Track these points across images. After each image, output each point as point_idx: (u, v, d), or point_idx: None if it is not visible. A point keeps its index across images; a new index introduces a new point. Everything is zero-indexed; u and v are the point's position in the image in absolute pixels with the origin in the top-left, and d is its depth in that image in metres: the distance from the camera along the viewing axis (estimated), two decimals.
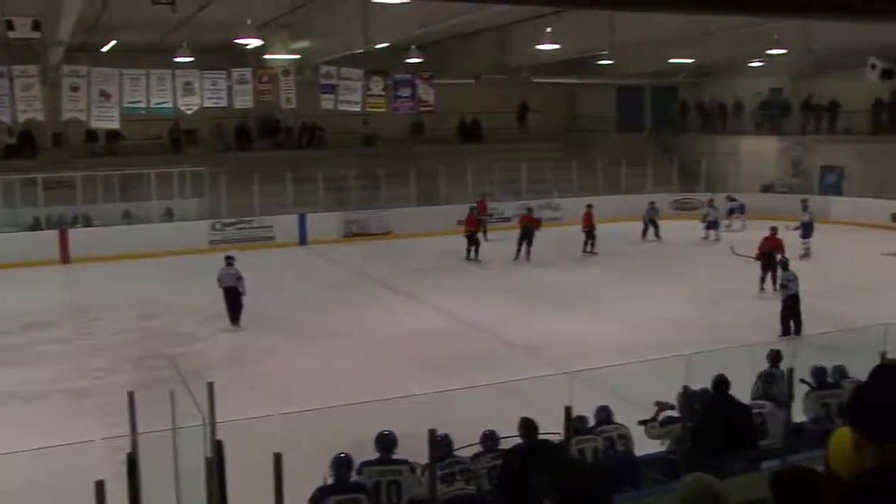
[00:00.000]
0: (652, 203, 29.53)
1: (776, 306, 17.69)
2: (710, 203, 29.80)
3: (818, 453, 3.76)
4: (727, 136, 36.16)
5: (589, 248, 26.56)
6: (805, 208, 25.99)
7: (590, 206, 27.49)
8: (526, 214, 27.17)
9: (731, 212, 30.88)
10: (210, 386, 6.88)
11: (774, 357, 10.30)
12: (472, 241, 25.86)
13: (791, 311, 16.59)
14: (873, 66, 14.59)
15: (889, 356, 10.00)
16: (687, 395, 8.83)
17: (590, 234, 26.66)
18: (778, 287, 18.72)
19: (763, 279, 20.61)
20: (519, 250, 25.88)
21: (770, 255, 20.48)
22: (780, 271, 17.68)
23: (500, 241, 26.72)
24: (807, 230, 25.01)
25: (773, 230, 21.48)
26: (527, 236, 26.00)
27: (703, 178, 34.12)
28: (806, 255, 23.97)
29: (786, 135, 35.34)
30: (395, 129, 34.60)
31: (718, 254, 25.36)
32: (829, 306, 18.40)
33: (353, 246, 28.36)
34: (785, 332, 16.45)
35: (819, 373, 10.16)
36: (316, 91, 25.26)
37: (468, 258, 25.62)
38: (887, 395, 2.60)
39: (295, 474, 6.95)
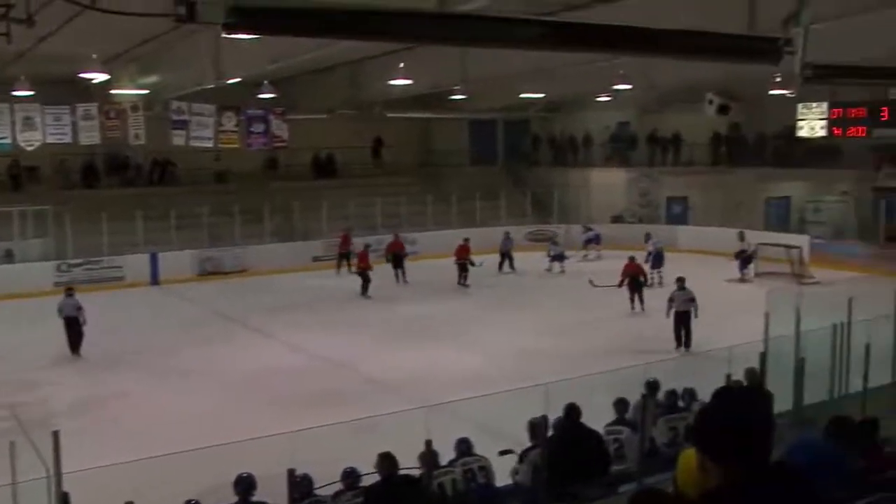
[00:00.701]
0: (507, 233, 30.01)
1: (629, 331, 18.27)
2: (553, 240, 30.45)
3: (670, 475, 3.88)
4: (578, 169, 37.25)
5: (462, 280, 26.90)
6: (648, 239, 26.93)
7: (466, 239, 28.00)
8: (394, 241, 28.23)
9: (587, 242, 31.62)
10: (55, 435, 6.58)
11: (652, 386, 10.46)
12: (366, 278, 25.43)
13: (685, 326, 18.20)
14: (711, 102, 15.25)
15: (734, 378, 10.45)
16: (544, 424, 8.96)
17: (463, 266, 27.02)
18: (644, 307, 21.81)
19: (632, 300, 22.25)
20: (396, 275, 27.11)
21: (635, 279, 22.43)
22: (677, 292, 18.72)
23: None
24: (657, 260, 25.89)
25: (632, 258, 23.22)
26: (398, 261, 27.11)
27: (556, 209, 34.94)
28: (659, 284, 25.00)
29: (633, 167, 36.64)
30: (249, 165, 34.14)
31: (572, 285, 26.00)
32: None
33: (208, 284, 27.73)
34: (678, 344, 18.00)
35: (670, 395, 10.46)
36: (166, 127, 24.72)
37: (363, 294, 25.24)
38: (727, 417, 2.70)
39: None
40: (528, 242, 32.25)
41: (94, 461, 7.55)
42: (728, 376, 10.24)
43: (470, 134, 40.11)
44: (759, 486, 2.63)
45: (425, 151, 40.22)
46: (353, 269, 27.05)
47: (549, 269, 28.96)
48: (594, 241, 31.60)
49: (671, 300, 18.58)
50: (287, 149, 30.50)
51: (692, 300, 18.39)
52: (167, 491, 8.12)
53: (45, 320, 20.07)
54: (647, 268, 24.63)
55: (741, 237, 26.70)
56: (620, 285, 22.49)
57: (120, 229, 28.06)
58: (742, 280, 26.10)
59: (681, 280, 19.16)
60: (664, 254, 26.19)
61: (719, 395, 2.94)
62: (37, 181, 30.80)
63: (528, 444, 9.21)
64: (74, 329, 18.63)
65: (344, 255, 29.12)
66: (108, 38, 19.99)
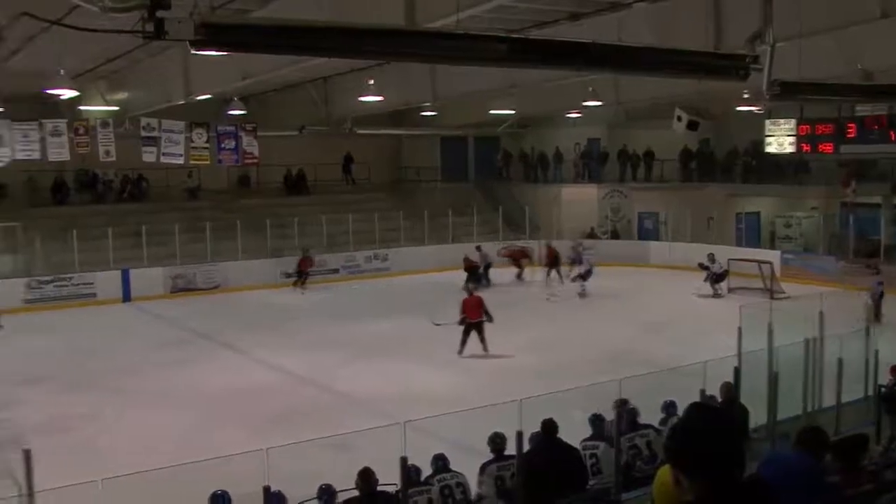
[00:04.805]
0: (478, 247, 29.97)
1: (604, 346, 18.37)
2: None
3: (649, 490, 3.89)
4: (549, 185, 37.42)
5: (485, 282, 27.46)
6: (578, 255, 27.74)
7: (479, 246, 29.97)
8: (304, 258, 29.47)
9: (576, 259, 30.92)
10: (27, 454, 6.52)
11: (621, 405, 10.41)
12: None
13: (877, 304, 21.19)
14: (679, 118, 15.41)
15: (708, 393, 10.50)
16: (503, 439, 9.03)
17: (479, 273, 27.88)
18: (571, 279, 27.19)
19: (548, 273, 28.44)
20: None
21: (555, 260, 28.58)
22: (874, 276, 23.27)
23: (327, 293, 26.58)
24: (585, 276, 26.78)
25: (548, 244, 29.79)
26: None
27: (528, 226, 35.01)
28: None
29: (604, 183, 36.84)
30: (221, 182, 34.12)
31: (543, 298, 26.04)
32: (650, 347, 19.24)
33: (180, 301, 27.54)
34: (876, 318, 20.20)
35: (629, 412, 10.32)
36: (137, 143, 24.58)
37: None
38: (700, 433, 2.72)
39: None
40: (499, 259, 32.12)
41: (64, 481, 7.47)
42: (702, 391, 10.28)
43: (441, 150, 40.22)
44: (732, 501, 2.65)
45: (396, 168, 40.28)
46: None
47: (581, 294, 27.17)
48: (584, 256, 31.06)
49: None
50: (259, 165, 30.45)
51: (881, 283, 21.92)
52: None
53: (13, 338, 19.92)
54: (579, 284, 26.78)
55: (711, 259, 26.82)
56: (548, 265, 28.67)
57: (91, 246, 27.85)
58: (715, 295, 26.21)
59: (877, 269, 23.76)
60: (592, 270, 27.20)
61: (692, 410, 2.95)
62: (6, 198, 30.54)
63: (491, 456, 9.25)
64: None
65: (302, 274, 29.26)
66: (77, 54, 19.93)
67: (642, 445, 9.93)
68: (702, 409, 3.07)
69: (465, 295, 20.48)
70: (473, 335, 19.18)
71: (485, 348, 19.33)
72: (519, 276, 30.14)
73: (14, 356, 19.43)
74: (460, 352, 19.26)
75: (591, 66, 11.80)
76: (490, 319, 19.53)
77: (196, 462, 8.35)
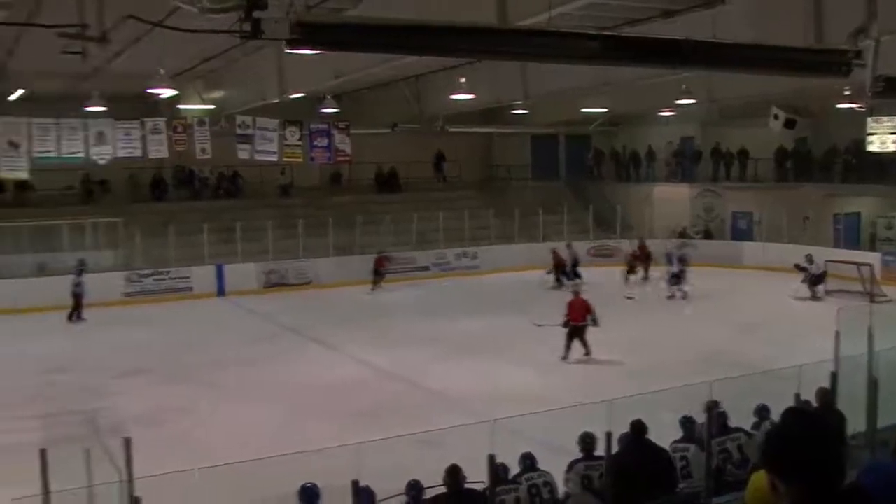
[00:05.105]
0: (569, 244, 29.77)
1: (698, 347, 18.05)
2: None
3: (740, 495, 3.83)
4: (641, 184, 37.02)
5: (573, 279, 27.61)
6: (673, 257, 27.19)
7: (569, 244, 30.10)
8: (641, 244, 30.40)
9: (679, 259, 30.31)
10: (127, 442, 6.71)
11: (711, 408, 10.23)
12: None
13: None
14: (776, 117, 15.06)
15: (803, 398, 10.24)
16: (593, 439, 8.99)
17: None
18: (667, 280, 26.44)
19: (645, 275, 29.15)
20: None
21: (647, 257, 29.54)
22: None
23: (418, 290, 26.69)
24: (678, 277, 26.30)
25: (640, 240, 30.36)
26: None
27: (619, 225, 34.67)
28: (680, 296, 26.08)
29: (697, 182, 36.24)
30: (314, 179, 34.58)
31: (635, 300, 25.78)
32: (744, 350, 18.86)
33: (273, 297, 28.06)
34: None
35: (719, 416, 10.13)
36: (232, 141, 25.08)
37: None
38: (797, 438, 2.66)
39: None
40: (589, 258, 31.85)
41: (161, 470, 7.67)
42: (797, 396, 10.04)
43: (532, 148, 40.08)
44: None
45: (487, 166, 40.28)
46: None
47: (674, 296, 26.50)
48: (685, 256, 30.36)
49: None
50: (351, 163, 30.75)
51: None
52: (234, 499, 8.22)
53: (113, 330, 20.48)
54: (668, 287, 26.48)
55: (809, 260, 26.12)
56: (645, 257, 29.47)
57: (187, 241, 28.56)
58: (813, 298, 25.52)
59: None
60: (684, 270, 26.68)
61: (788, 416, 2.89)
62: (108, 194, 31.51)
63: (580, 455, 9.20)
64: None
65: (379, 274, 29.15)
66: (176, 55, 20.44)
67: (733, 449, 9.75)
68: (798, 414, 3.01)
69: (565, 295, 20.20)
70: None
71: (587, 352, 18.50)
72: (630, 274, 29.37)
73: (114, 348, 20.05)
74: (565, 357, 18.47)
75: (684, 63, 11.65)
76: (596, 323, 18.47)
77: (287, 455, 8.48)
